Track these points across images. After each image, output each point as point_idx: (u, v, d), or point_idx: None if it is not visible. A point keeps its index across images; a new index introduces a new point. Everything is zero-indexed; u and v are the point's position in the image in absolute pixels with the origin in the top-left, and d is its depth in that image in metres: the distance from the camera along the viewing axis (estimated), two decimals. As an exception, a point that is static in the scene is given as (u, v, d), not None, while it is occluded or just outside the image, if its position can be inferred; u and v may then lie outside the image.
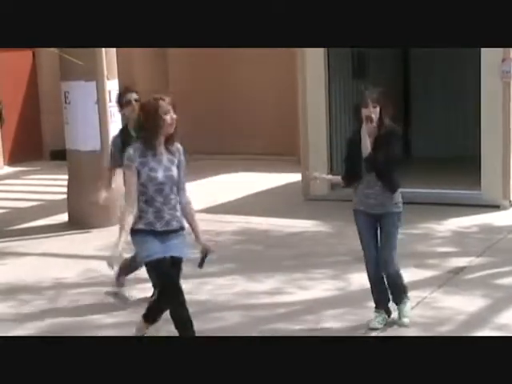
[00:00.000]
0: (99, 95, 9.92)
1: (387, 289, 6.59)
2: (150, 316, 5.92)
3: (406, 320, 6.53)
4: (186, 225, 5.80)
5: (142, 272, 8.28)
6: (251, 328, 6.56)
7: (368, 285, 7.54)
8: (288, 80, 14.80)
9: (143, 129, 5.61)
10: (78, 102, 10.06)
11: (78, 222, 10.09)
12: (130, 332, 6.56)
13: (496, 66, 10.23)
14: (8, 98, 15.63)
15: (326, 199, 11.29)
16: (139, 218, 5.67)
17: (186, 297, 7.36)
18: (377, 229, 6.52)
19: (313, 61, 11.22)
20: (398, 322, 6.55)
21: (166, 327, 6.39)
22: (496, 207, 10.36)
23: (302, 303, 7.18)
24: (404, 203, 10.32)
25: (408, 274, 7.80)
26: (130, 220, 5.60)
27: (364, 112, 6.22)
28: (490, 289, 7.35)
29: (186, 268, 8.25)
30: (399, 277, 6.56)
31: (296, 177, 12.33)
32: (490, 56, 10.17)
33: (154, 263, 5.67)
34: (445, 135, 13.89)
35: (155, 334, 6.03)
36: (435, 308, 6.93)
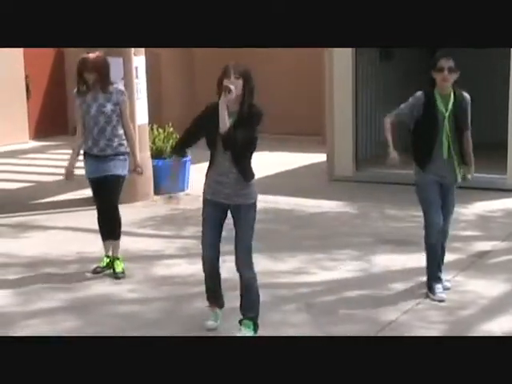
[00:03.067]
0: (126, 71, 9.91)
1: (219, 284, 6.05)
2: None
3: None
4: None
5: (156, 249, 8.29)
6: (272, 307, 6.56)
7: (392, 267, 7.55)
8: (314, 61, 14.75)
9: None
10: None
11: (102, 197, 10.12)
12: (148, 307, 6.61)
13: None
14: (34, 73, 15.69)
15: (350, 180, 11.28)
16: (84, 143, 7.29)
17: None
18: (224, 220, 5.82)
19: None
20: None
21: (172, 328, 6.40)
22: (522, 192, 10.29)
23: (323, 284, 7.17)
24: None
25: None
26: (78, 142, 7.35)
27: (225, 83, 5.55)
28: (514, 274, 7.31)
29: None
30: (255, 282, 5.82)
31: (321, 157, 12.30)
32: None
33: (90, 181, 7.41)
34: (472, 119, 13.75)
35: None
36: (458, 292, 6.89)
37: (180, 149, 6.15)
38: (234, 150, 5.59)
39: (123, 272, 7.42)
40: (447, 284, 6.91)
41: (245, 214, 5.72)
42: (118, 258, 7.48)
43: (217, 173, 5.72)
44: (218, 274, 6.05)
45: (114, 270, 7.43)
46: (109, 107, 7.16)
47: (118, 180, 7.27)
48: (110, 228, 7.45)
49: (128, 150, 7.32)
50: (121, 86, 7.45)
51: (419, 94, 6.73)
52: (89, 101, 7.19)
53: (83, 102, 7.23)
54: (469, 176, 6.73)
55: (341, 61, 11.28)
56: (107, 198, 7.30)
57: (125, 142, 7.30)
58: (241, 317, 5.89)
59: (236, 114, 5.62)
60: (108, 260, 7.52)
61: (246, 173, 5.69)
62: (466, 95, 6.78)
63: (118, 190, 7.31)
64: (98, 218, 7.49)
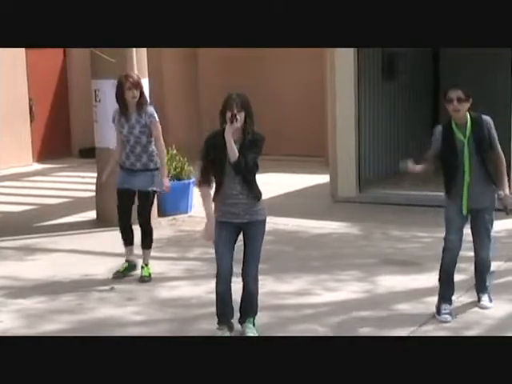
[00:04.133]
0: (129, 94, 9.94)
1: (232, 307, 6.33)
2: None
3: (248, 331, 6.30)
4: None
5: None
6: (278, 329, 6.56)
7: (397, 288, 7.55)
8: (316, 80, 14.80)
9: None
10: (107, 100, 10.06)
11: (106, 219, 10.11)
12: (153, 329, 6.61)
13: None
14: (38, 95, 15.74)
15: (353, 201, 11.27)
16: (121, 157, 7.95)
17: (213, 296, 7.41)
18: (236, 240, 6.24)
19: (342, 61, 11.19)
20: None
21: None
22: (526, 212, 10.24)
23: (328, 305, 7.18)
24: (434, 206, 10.28)
25: (435, 278, 7.80)
26: (114, 156, 8.11)
27: (229, 115, 6.02)
28: (519, 294, 7.30)
29: (211, 267, 8.31)
30: (257, 290, 6.32)
31: (324, 178, 12.31)
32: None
33: (117, 191, 7.95)
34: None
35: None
36: (463, 312, 6.89)
37: (205, 186, 6.22)
38: (244, 173, 6.05)
39: (149, 276, 7.90)
40: (483, 303, 7.00)
41: (255, 230, 6.19)
42: (147, 265, 7.95)
43: (227, 196, 6.13)
44: (230, 294, 6.28)
45: (141, 273, 7.92)
46: (137, 129, 7.75)
47: (146, 195, 7.85)
48: (145, 238, 7.98)
49: (157, 165, 7.83)
50: (152, 109, 7.89)
51: (437, 129, 6.88)
52: (123, 121, 7.80)
53: (119, 121, 7.84)
54: (500, 192, 6.80)
55: (343, 81, 11.31)
56: (139, 211, 7.91)
57: (155, 158, 7.83)
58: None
59: (239, 142, 6.07)
60: (126, 264, 8.00)
61: (256, 192, 6.17)
62: (485, 118, 6.78)
63: (147, 203, 7.88)
64: (120, 226, 8.02)
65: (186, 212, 10.85)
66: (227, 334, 6.27)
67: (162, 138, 7.91)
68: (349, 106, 11.41)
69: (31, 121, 15.69)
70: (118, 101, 7.82)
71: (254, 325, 6.35)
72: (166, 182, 7.95)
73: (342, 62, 11.19)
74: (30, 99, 15.59)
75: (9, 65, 14.88)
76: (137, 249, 8.11)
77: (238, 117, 5.99)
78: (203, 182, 6.18)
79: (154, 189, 7.88)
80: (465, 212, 6.78)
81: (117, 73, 9.81)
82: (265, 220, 6.26)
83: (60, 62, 16.31)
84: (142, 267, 7.98)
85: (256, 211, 6.18)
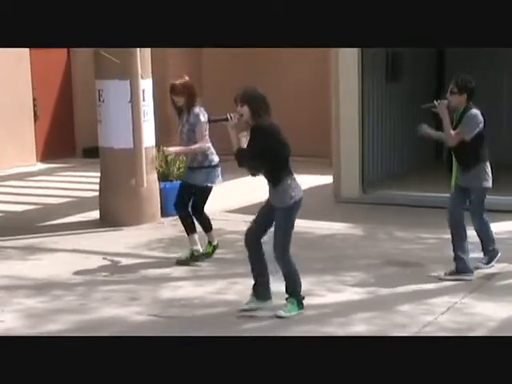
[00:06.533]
0: (133, 94, 9.94)
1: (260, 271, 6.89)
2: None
3: (280, 312, 6.75)
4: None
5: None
6: (281, 329, 6.55)
7: (399, 289, 7.54)
8: (320, 80, 14.79)
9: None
10: (111, 100, 10.08)
11: (110, 219, 10.13)
12: (156, 330, 6.60)
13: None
14: (42, 95, 15.75)
15: (357, 202, 11.25)
16: None
17: (216, 297, 7.42)
18: (270, 217, 6.77)
19: (346, 61, 11.17)
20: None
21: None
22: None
23: (331, 306, 7.16)
24: (438, 208, 10.24)
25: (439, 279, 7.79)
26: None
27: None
28: (522, 296, 7.28)
29: (215, 268, 8.33)
30: (291, 270, 6.79)
31: (327, 179, 12.29)
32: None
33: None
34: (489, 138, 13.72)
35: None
36: (466, 314, 6.88)
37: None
38: (243, 165, 6.69)
39: (212, 253, 8.71)
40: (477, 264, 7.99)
41: (276, 216, 6.73)
42: (211, 243, 8.74)
43: None
44: (257, 254, 6.89)
45: (205, 250, 8.67)
46: (186, 127, 8.45)
47: (202, 190, 8.50)
48: (203, 225, 8.68)
49: (213, 163, 8.45)
50: (197, 110, 8.44)
51: None
52: (179, 121, 8.58)
53: (178, 120, 8.62)
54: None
55: (347, 82, 11.29)
56: (197, 203, 8.56)
57: (210, 156, 8.44)
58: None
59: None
60: (212, 247, 8.75)
61: (269, 178, 6.74)
62: (471, 111, 7.63)
63: (203, 197, 8.55)
64: (177, 214, 8.75)
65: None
66: (255, 299, 6.90)
67: (204, 138, 8.36)
68: (352, 106, 11.38)
69: (35, 120, 15.70)
70: (171, 102, 8.58)
71: (298, 306, 6.78)
72: (172, 149, 8.66)
73: (346, 62, 11.16)
74: (33, 99, 15.61)
75: (13, 64, 14.89)
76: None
77: (228, 117, 6.64)
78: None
79: (209, 184, 8.45)
80: (452, 184, 7.79)
81: (120, 73, 9.86)
82: (283, 208, 6.65)
83: (64, 62, 16.31)
84: (208, 243, 8.74)
85: (275, 197, 6.70)
